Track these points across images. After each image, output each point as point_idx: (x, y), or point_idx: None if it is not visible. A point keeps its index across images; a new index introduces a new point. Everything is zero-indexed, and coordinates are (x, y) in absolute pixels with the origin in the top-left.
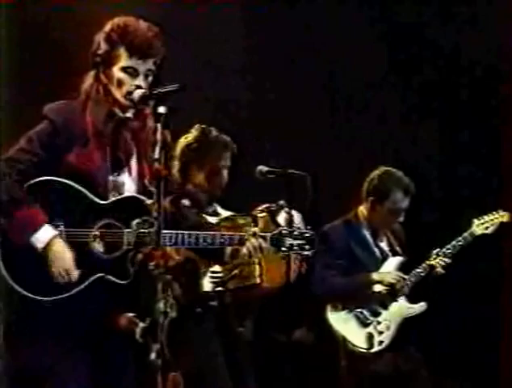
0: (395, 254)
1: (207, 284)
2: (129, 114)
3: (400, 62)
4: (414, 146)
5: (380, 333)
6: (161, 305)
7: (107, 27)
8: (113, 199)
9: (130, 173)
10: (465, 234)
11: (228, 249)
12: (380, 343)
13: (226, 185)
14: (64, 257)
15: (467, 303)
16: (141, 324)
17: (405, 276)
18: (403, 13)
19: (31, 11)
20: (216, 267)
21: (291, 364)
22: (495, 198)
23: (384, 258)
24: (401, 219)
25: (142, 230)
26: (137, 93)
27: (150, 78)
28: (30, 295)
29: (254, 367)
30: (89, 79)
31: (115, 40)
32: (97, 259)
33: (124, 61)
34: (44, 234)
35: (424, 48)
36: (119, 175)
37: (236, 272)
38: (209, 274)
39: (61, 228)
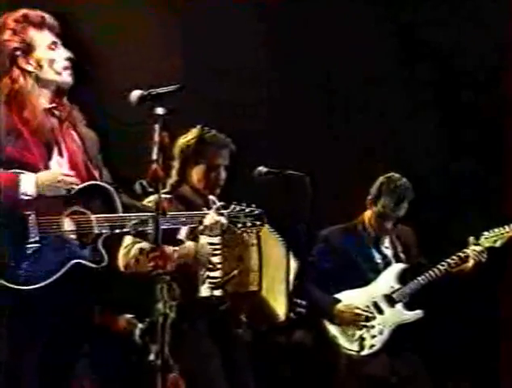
0: (398, 260)
1: (204, 290)
2: (54, 103)
3: (401, 60)
4: (415, 145)
5: (373, 337)
6: (160, 306)
7: (9, 25)
8: (77, 187)
9: (61, 156)
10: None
11: (184, 229)
12: (371, 346)
13: (224, 185)
14: (54, 175)
15: (467, 304)
16: (140, 325)
17: (369, 314)
18: (403, 10)
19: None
20: (214, 273)
21: (289, 366)
22: (497, 198)
23: (387, 263)
24: (390, 226)
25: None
26: (135, 94)
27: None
28: (8, 285)
29: (253, 368)
30: (13, 75)
31: (20, 30)
32: (71, 246)
33: (42, 40)
34: (28, 182)
35: (425, 46)
36: (52, 160)
37: (235, 272)
38: (207, 279)
39: (32, 217)
